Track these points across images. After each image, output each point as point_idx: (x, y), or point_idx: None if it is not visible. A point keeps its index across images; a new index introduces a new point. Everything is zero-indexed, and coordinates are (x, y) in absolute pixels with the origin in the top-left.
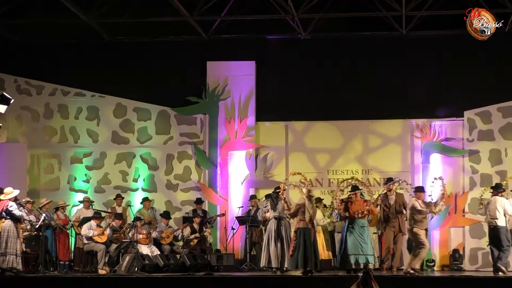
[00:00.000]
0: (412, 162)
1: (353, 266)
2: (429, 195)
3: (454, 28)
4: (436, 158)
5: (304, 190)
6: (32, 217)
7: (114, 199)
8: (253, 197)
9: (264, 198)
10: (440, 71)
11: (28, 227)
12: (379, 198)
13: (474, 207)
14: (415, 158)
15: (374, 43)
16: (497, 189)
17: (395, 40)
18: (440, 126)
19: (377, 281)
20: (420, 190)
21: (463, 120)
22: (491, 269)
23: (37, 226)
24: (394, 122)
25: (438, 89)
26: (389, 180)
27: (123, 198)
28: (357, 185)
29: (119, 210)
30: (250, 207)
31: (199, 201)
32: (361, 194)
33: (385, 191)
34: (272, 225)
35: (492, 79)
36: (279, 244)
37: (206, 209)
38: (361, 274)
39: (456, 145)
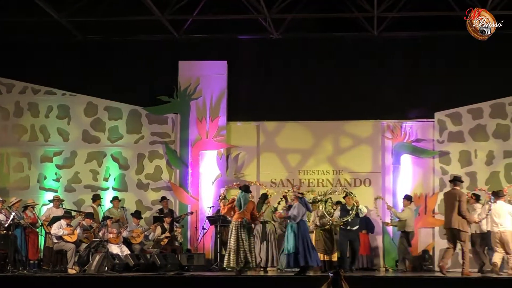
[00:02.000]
0: (382, 163)
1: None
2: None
3: (425, 30)
4: (406, 159)
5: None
6: (1, 216)
7: (94, 201)
8: (224, 197)
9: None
10: (411, 73)
11: None
12: None
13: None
14: (385, 159)
15: (345, 44)
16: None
17: (367, 41)
18: (411, 127)
19: (348, 281)
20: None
21: (433, 121)
22: (460, 269)
23: (6, 225)
24: (365, 123)
25: (409, 90)
26: None
27: (101, 199)
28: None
29: (96, 210)
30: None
31: (163, 199)
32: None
33: None
34: (258, 227)
35: (462, 81)
36: (264, 246)
37: (177, 208)
38: (332, 275)
39: (426, 146)
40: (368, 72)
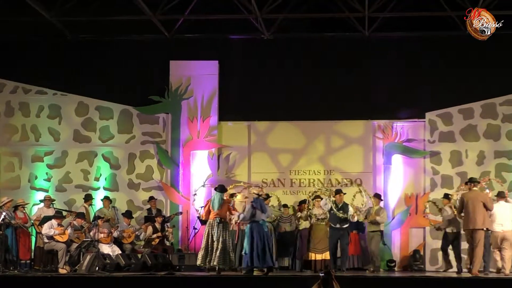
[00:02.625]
0: (374, 163)
1: None
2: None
3: (416, 30)
4: (397, 159)
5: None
6: None
7: (86, 201)
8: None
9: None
10: (402, 73)
11: None
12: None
13: (435, 208)
14: (376, 159)
15: (336, 44)
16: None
17: (358, 41)
18: (402, 127)
19: (339, 281)
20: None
21: (424, 121)
22: (451, 269)
23: None
24: (356, 123)
25: (400, 90)
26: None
27: (93, 199)
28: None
29: (87, 210)
30: None
31: (151, 199)
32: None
33: None
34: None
35: (453, 81)
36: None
37: (168, 208)
38: (322, 274)
39: (417, 146)
40: (359, 72)
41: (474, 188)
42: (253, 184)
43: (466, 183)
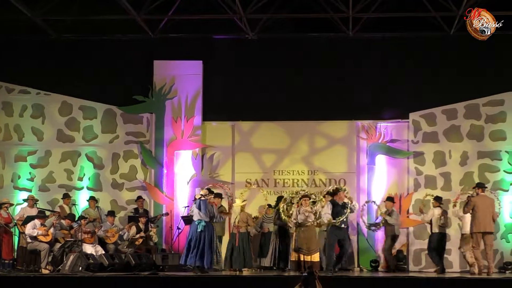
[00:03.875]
0: (357, 163)
1: None
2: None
3: (400, 31)
4: (381, 160)
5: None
6: None
7: (62, 198)
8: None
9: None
10: (386, 73)
11: None
12: None
13: (427, 208)
14: (360, 159)
15: (321, 44)
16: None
17: (342, 42)
18: (386, 128)
19: (322, 281)
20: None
21: (408, 122)
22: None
23: None
24: (340, 123)
25: (384, 91)
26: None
27: (71, 197)
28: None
29: (66, 209)
30: None
31: (139, 198)
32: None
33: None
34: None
35: (437, 81)
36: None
37: (152, 208)
38: (305, 274)
39: (401, 146)
40: (343, 73)
41: (482, 193)
42: (218, 185)
43: (474, 188)
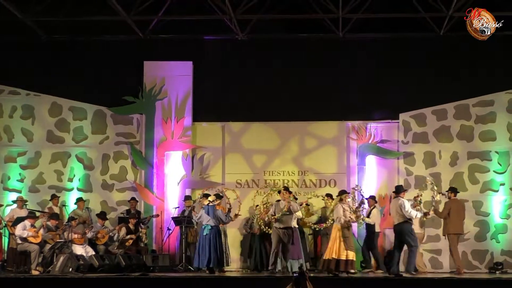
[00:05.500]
0: (348, 164)
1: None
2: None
3: (390, 31)
4: (371, 160)
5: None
6: None
7: (50, 199)
8: (188, 198)
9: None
10: (376, 74)
11: None
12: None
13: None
14: (350, 160)
15: (311, 45)
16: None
17: (332, 42)
18: (376, 128)
19: (313, 282)
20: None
21: (398, 122)
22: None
23: None
24: (330, 123)
25: (373, 91)
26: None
27: (59, 197)
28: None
29: (56, 210)
30: (185, 208)
31: (132, 199)
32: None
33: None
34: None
35: (427, 82)
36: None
37: (142, 209)
38: (296, 275)
39: (391, 147)
40: (333, 73)
41: (454, 197)
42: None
43: (447, 191)
